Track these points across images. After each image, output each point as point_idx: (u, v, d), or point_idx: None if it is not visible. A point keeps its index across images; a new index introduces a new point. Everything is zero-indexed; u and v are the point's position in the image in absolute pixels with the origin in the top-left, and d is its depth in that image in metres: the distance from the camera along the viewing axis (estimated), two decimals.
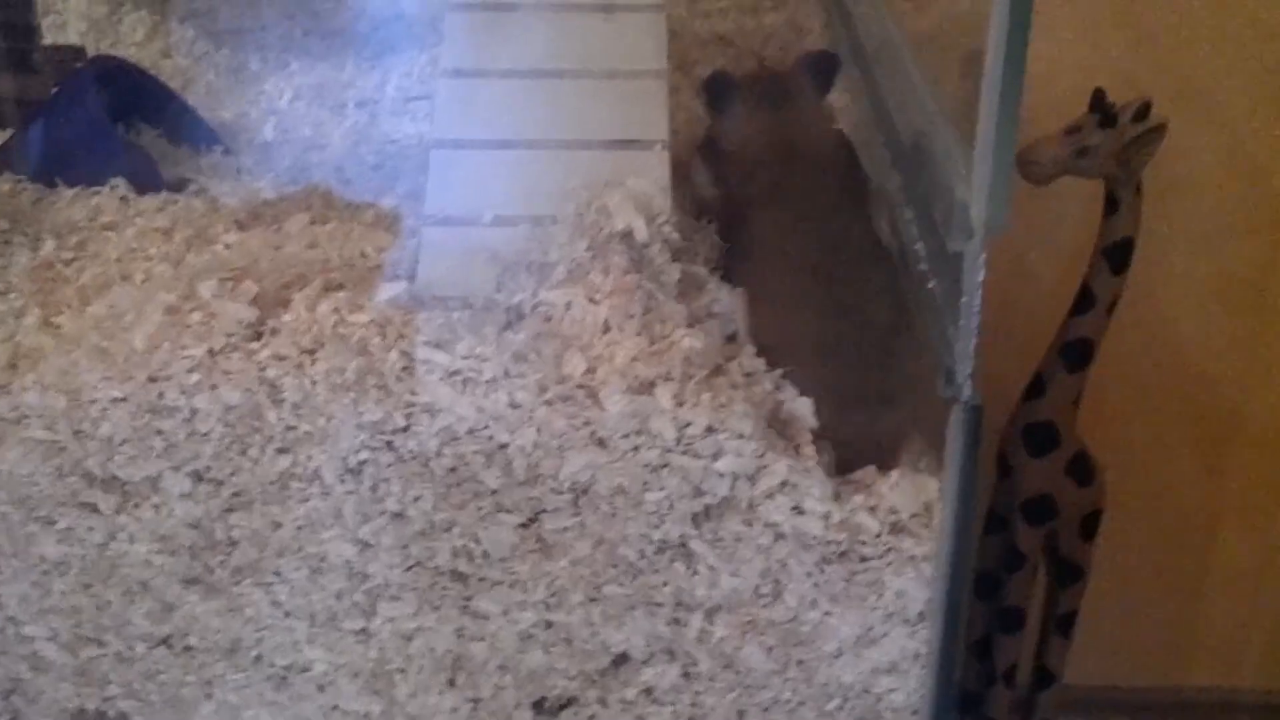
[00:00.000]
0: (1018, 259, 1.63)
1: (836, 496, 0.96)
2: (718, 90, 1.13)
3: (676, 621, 1.01)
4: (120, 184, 1.17)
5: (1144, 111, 1.34)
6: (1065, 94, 1.34)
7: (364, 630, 1.03)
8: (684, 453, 0.94)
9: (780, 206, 1.08)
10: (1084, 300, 1.43)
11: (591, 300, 0.99)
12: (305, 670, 1.04)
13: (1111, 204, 1.39)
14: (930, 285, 1.01)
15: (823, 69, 1.14)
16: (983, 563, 1.58)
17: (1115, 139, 1.34)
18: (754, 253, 1.07)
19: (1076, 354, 1.44)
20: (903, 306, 1.06)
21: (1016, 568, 1.54)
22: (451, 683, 1.04)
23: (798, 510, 0.95)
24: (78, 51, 1.30)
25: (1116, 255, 1.40)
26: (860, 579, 0.98)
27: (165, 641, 1.04)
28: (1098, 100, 1.36)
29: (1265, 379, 1.69)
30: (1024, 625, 1.59)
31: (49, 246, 1.11)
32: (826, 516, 0.95)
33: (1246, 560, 1.79)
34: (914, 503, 0.96)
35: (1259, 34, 1.51)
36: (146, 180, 1.19)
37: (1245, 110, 1.54)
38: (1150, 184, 1.37)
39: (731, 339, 1.03)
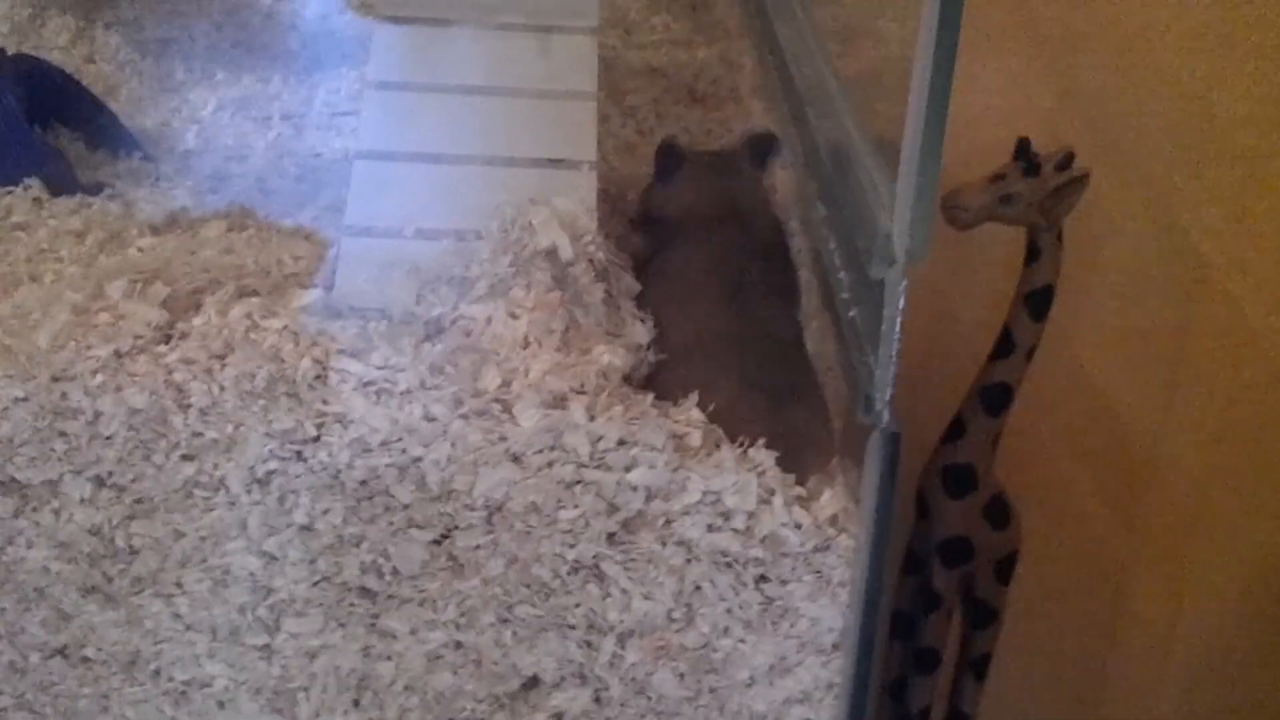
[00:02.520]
0: (939, 302, 1.64)
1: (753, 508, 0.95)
2: (668, 159, 1.15)
3: (588, 645, 0.99)
4: (34, 185, 1.14)
5: (1067, 161, 1.36)
6: (990, 143, 1.36)
7: (267, 646, 1.00)
8: (597, 467, 0.93)
9: (705, 266, 1.09)
10: (1004, 345, 1.44)
11: (512, 315, 0.98)
12: (205, 686, 1.01)
13: (1033, 251, 1.41)
14: (851, 314, 1.01)
15: (762, 148, 1.19)
16: (899, 603, 1.58)
17: (1038, 187, 1.36)
18: (673, 297, 1.08)
19: (995, 398, 1.45)
20: (809, 370, 1.07)
21: (932, 609, 1.55)
22: (356, 703, 1.02)
23: (712, 527, 0.94)
24: None
25: (1036, 302, 1.42)
26: (775, 605, 0.97)
27: (61, 652, 1.01)
28: (1022, 149, 1.38)
29: (1180, 428, 1.71)
30: (939, 666, 1.59)
31: None
32: (746, 530, 0.94)
33: (1159, 606, 1.81)
34: (831, 524, 0.95)
35: (1179, 92, 1.54)
36: (62, 183, 1.16)
37: (1164, 164, 1.57)
38: (1071, 233, 1.39)
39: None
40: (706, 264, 1.09)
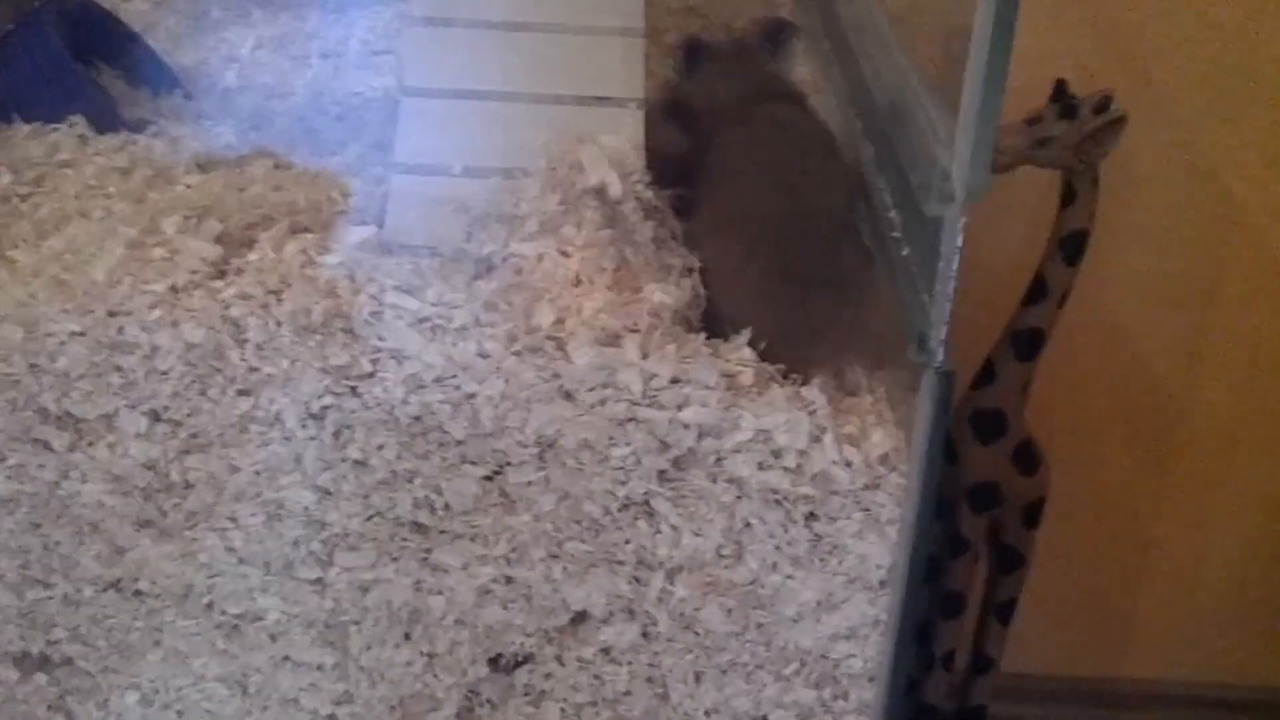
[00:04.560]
0: (972, 247, 1.64)
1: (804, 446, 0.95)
2: (693, 53, 1.15)
3: (637, 580, 1.00)
4: (79, 122, 1.14)
5: (1104, 104, 1.35)
6: (1027, 85, 1.35)
7: (320, 580, 1.01)
8: (649, 405, 0.94)
9: (746, 147, 1.09)
10: (1037, 290, 1.45)
11: (563, 253, 0.99)
12: (258, 619, 1.02)
13: (1068, 195, 1.40)
14: (904, 253, 1.01)
15: (779, 34, 1.20)
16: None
17: (1075, 130, 1.36)
18: (720, 190, 1.07)
19: (1027, 343, 1.45)
20: (861, 236, 1.07)
21: (959, 553, 1.56)
22: (407, 636, 1.02)
23: (763, 465, 0.95)
24: None
25: (1071, 247, 1.42)
26: (824, 542, 0.98)
27: (115, 585, 1.02)
28: (1059, 91, 1.38)
29: (1209, 376, 1.72)
30: (964, 611, 1.60)
31: (4, 181, 1.07)
32: (796, 468, 0.95)
33: (1185, 554, 1.82)
34: (882, 462, 0.95)
35: (1216, 35, 1.53)
36: (106, 119, 1.15)
37: (1199, 109, 1.56)
38: (1104, 178, 1.39)
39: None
40: (750, 150, 1.09)
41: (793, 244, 1.02)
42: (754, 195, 1.05)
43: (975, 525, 1.54)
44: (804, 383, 0.97)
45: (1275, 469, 1.76)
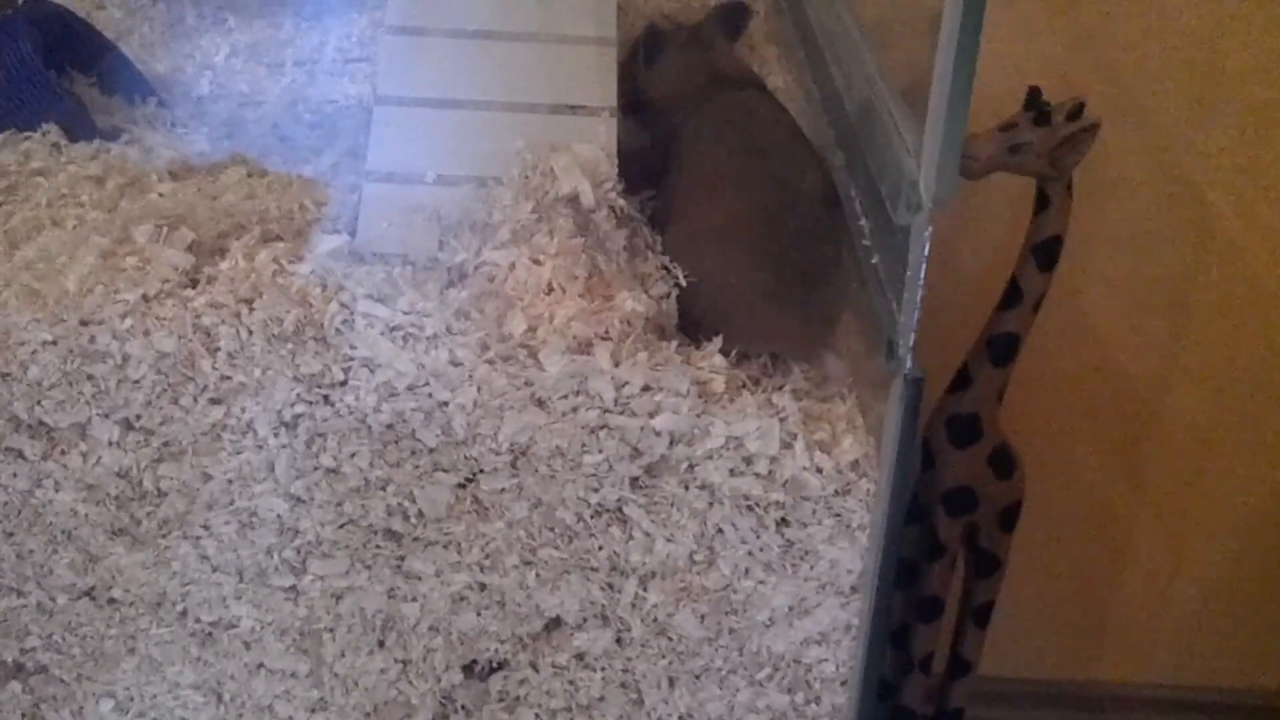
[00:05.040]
0: (947, 253, 1.65)
1: (775, 452, 0.96)
2: (653, 42, 1.17)
3: (610, 587, 1.00)
4: (52, 130, 1.14)
5: (1077, 111, 1.35)
6: (1001, 93, 1.36)
7: (293, 588, 1.01)
8: (621, 412, 0.94)
9: (711, 128, 1.10)
10: (1011, 296, 1.45)
11: (536, 261, 0.99)
12: (232, 627, 1.03)
13: (1042, 201, 1.41)
14: (873, 260, 1.02)
15: (734, 18, 1.24)
16: (903, 551, 1.59)
17: (1048, 137, 1.36)
18: (693, 182, 1.08)
19: (1002, 348, 1.46)
20: (834, 203, 1.07)
21: (936, 557, 1.56)
22: (381, 644, 1.03)
23: (734, 472, 0.95)
24: None
25: (1045, 253, 1.42)
26: (795, 548, 0.98)
27: (89, 593, 1.02)
28: (1032, 98, 1.38)
29: (1182, 380, 1.72)
30: (942, 614, 1.60)
31: None
32: (768, 474, 0.95)
33: (1159, 557, 1.83)
34: (853, 469, 0.96)
35: (1190, 42, 1.53)
36: (79, 128, 1.16)
37: (1174, 116, 1.57)
38: (1079, 185, 1.39)
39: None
40: (721, 138, 1.10)
41: (776, 226, 1.03)
42: (729, 183, 1.05)
43: (951, 529, 1.54)
44: (779, 387, 0.98)
45: (1249, 473, 1.77)
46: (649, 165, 1.11)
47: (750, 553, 0.99)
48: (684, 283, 1.01)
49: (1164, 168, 1.60)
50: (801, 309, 1.02)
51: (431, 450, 0.96)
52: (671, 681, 1.04)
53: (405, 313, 0.95)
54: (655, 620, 1.01)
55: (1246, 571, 1.83)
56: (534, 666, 1.04)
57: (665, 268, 1.03)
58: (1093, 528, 1.80)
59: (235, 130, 1.23)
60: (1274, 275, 1.65)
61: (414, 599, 1.01)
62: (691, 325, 1.02)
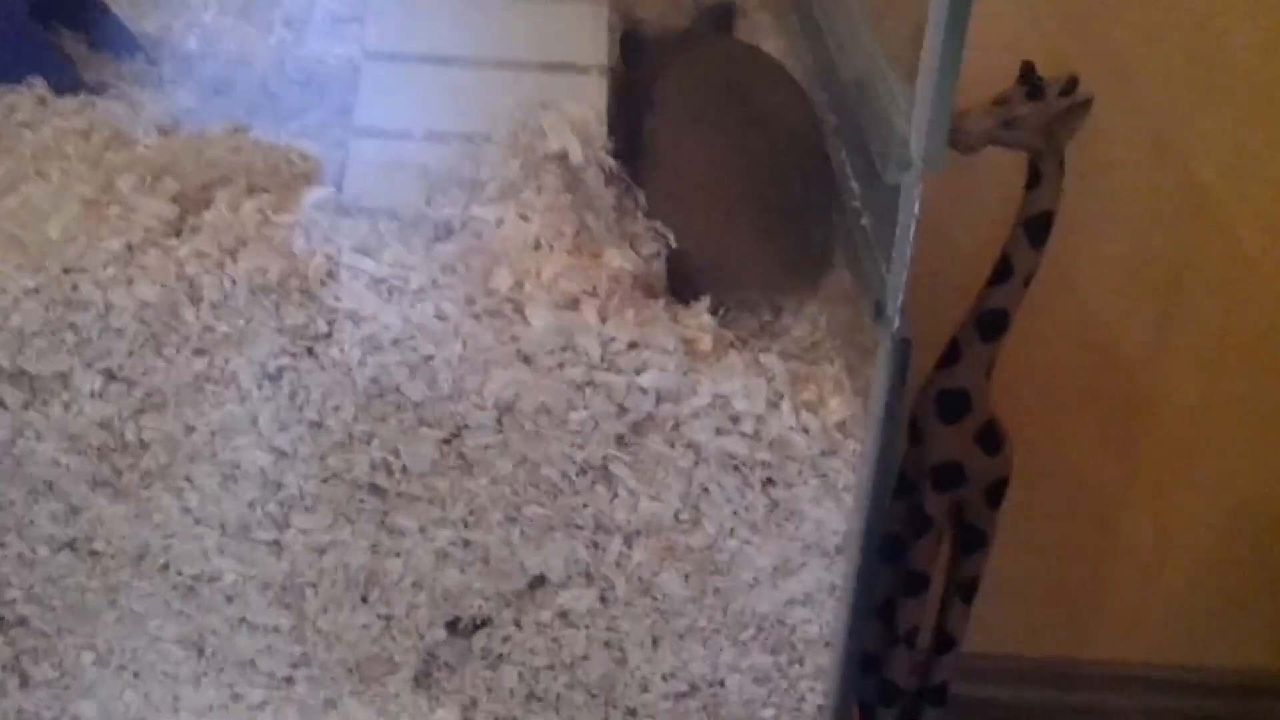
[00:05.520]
0: (937, 227, 1.64)
1: (762, 411, 0.95)
2: (633, 45, 1.16)
3: (595, 545, 1.00)
4: (38, 83, 1.13)
5: (1071, 86, 1.35)
6: (998, 71, 1.36)
7: (276, 542, 1.00)
8: (608, 369, 0.94)
9: (690, 70, 1.09)
10: (1002, 271, 1.45)
11: (523, 218, 0.98)
12: (214, 580, 1.02)
13: (1034, 177, 1.41)
14: (863, 222, 1.02)
15: (722, 18, 1.23)
16: (890, 526, 1.59)
17: (1042, 111, 1.36)
18: (669, 118, 1.06)
19: (991, 324, 1.46)
20: (820, 141, 1.07)
21: (922, 532, 1.56)
22: (364, 599, 1.02)
23: (721, 430, 0.95)
24: None
25: (1036, 228, 1.42)
26: (781, 508, 0.98)
27: (70, 545, 1.01)
28: (1026, 73, 1.38)
29: (1174, 361, 1.73)
30: (927, 589, 1.61)
31: None
32: (754, 433, 0.95)
33: (1147, 537, 1.83)
34: (839, 429, 0.96)
35: (1188, 21, 1.53)
36: (66, 82, 1.15)
37: (1170, 97, 1.57)
38: (1073, 163, 1.39)
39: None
40: (700, 78, 1.08)
41: (761, 164, 1.02)
42: (710, 123, 1.04)
43: (939, 504, 1.55)
44: (767, 348, 0.98)
45: (1240, 454, 1.78)
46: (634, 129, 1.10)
47: (735, 512, 0.98)
48: (672, 242, 1.01)
49: (1158, 149, 1.59)
50: (791, 248, 1.02)
51: (416, 405, 0.96)
52: (655, 641, 1.03)
53: (390, 265, 0.95)
54: (640, 579, 1.01)
55: (1236, 551, 1.83)
56: (518, 624, 1.03)
57: (654, 229, 1.02)
58: (1081, 505, 1.81)
59: (223, 88, 1.22)
60: (1268, 256, 1.65)
61: (397, 554, 1.01)
62: (679, 279, 1.01)
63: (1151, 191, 1.62)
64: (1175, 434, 1.76)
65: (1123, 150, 1.58)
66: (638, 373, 0.94)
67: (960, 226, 1.63)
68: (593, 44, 1.09)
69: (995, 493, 1.56)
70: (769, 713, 1.07)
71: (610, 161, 1.03)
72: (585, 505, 0.98)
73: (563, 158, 1.01)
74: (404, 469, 0.98)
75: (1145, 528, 1.82)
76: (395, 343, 0.94)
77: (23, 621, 1.04)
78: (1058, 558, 1.84)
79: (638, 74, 1.14)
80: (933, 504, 1.54)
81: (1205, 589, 1.85)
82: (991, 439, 1.52)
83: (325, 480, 0.98)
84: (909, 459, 1.53)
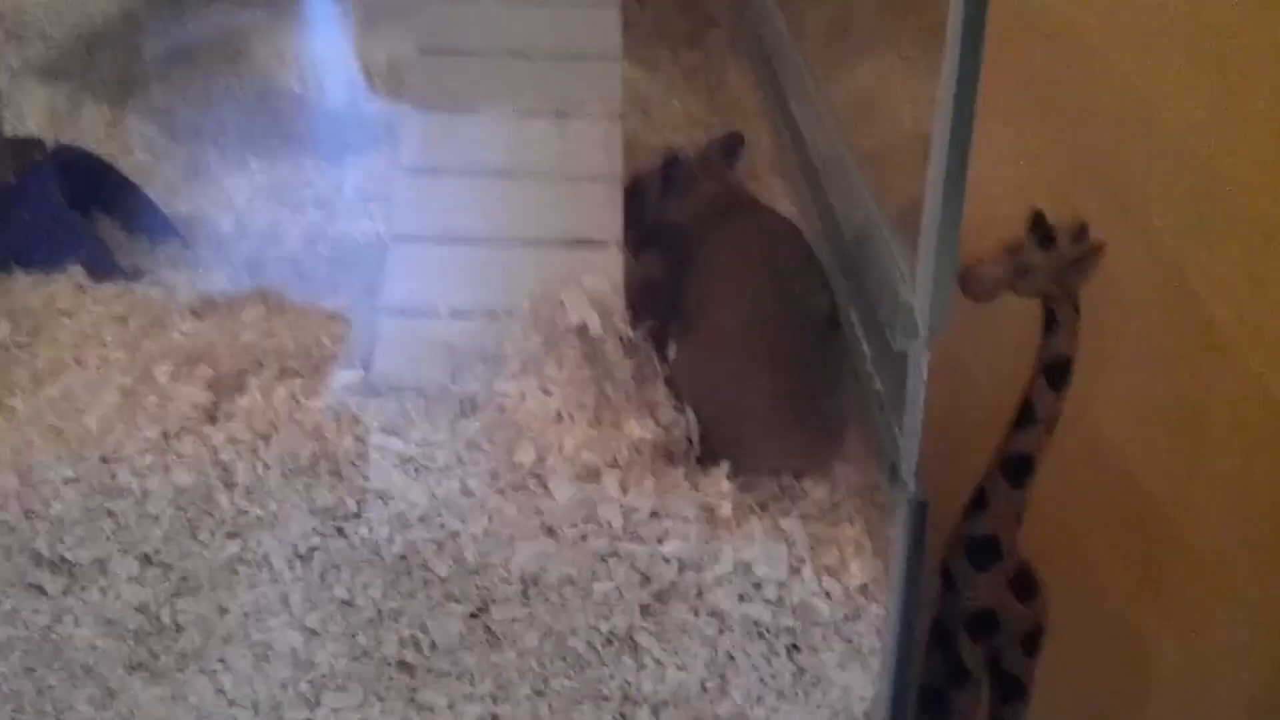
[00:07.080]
0: (958, 371, 1.66)
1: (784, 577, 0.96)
2: (674, 171, 1.23)
3: (623, 716, 1.00)
4: (77, 271, 1.17)
5: (1081, 233, 1.37)
6: (1004, 214, 1.38)
7: None
8: (630, 539, 0.95)
9: (730, 245, 1.13)
10: (1024, 415, 1.46)
11: (545, 391, 1.01)
12: None
13: (1050, 323, 1.42)
14: (875, 385, 1.04)
15: (731, 147, 1.31)
16: (926, 678, 1.58)
17: (1054, 259, 1.38)
18: (705, 287, 1.10)
19: (1017, 468, 1.46)
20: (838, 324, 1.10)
21: (961, 684, 1.55)
22: None
23: (744, 597, 0.96)
24: (38, 143, 1.31)
25: (1055, 373, 1.43)
26: (807, 674, 0.98)
27: None
28: (1037, 221, 1.40)
29: (1203, 498, 1.71)
30: None
31: (4, 330, 1.10)
32: (777, 599, 0.96)
33: (1185, 677, 1.80)
34: (862, 593, 0.96)
35: (1190, 161, 1.56)
36: (102, 267, 1.19)
37: (1178, 235, 1.59)
38: (1089, 304, 1.41)
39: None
40: (738, 254, 1.12)
41: (790, 347, 1.04)
42: (743, 299, 1.07)
43: (975, 654, 1.53)
44: (787, 512, 0.99)
45: (1273, 588, 1.76)
46: (664, 290, 1.13)
47: (761, 679, 0.99)
48: (692, 420, 1.03)
49: (1171, 287, 1.61)
50: (812, 423, 1.04)
51: (443, 580, 0.97)
52: None
53: (417, 444, 0.97)
54: None
55: (1277, 693, 1.80)
56: None
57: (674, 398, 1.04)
58: (1118, 650, 1.78)
59: (256, 268, 1.26)
60: None
61: None
62: (707, 450, 1.03)
63: (1166, 331, 1.63)
64: (1208, 575, 1.74)
65: (1136, 291, 1.60)
66: (660, 541, 0.96)
67: (981, 368, 1.64)
68: (607, 220, 1.12)
69: (1032, 641, 1.55)
70: None
71: (628, 331, 1.05)
72: (612, 676, 0.99)
73: (582, 330, 1.04)
74: (432, 645, 0.99)
75: (1182, 668, 1.79)
76: (422, 520, 0.96)
77: None
78: (1097, 702, 1.81)
79: (675, 200, 1.21)
80: (970, 654, 1.53)
81: None
82: (1025, 585, 1.51)
83: (355, 658, 0.99)
84: (945, 606, 1.53)
